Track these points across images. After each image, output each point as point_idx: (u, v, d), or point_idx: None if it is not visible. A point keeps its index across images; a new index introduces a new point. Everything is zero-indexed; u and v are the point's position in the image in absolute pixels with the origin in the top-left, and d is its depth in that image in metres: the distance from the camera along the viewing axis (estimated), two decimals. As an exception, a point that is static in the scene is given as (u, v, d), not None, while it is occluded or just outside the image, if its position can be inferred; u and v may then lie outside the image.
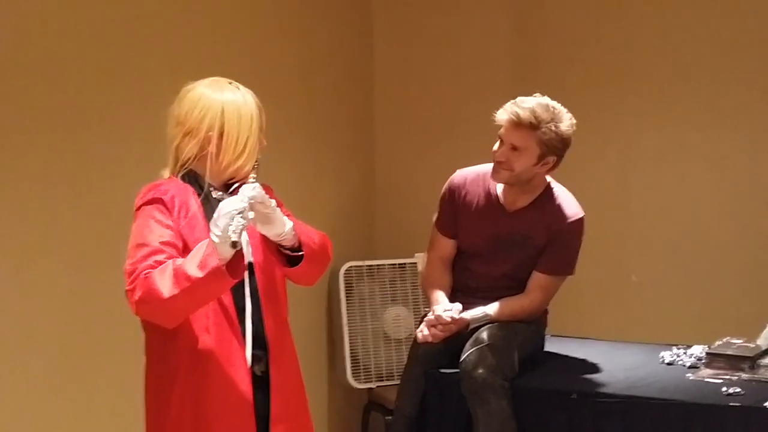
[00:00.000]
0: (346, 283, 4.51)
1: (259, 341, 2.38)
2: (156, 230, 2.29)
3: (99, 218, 3.29)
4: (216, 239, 2.19)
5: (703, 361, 3.36)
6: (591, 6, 4.51)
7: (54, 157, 3.17)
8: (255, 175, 2.33)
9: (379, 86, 4.90)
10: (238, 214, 2.20)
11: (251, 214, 2.24)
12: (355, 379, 4.50)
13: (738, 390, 3.04)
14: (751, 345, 3.34)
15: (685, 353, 3.47)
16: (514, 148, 3.29)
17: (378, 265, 4.60)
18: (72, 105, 3.22)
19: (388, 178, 4.92)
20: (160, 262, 2.23)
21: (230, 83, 2.42)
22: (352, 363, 4.49)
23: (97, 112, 3.31)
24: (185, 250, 2.28)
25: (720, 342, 3.42)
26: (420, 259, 4.42)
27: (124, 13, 3.41)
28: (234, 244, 2.18)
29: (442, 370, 3.36)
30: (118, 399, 3.30)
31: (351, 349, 4.49)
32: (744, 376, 3.19)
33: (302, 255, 2.41)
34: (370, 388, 4.58)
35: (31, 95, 3.09)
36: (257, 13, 4.12)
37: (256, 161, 2.38)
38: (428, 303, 3.49)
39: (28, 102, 3.08)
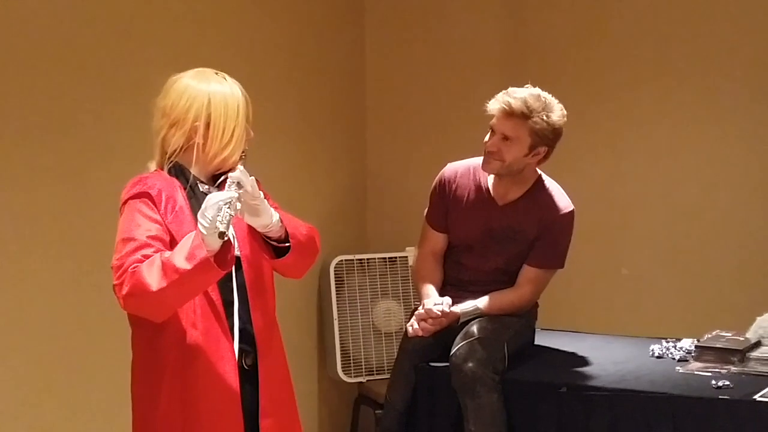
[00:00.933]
0: (336, 277, 4.50)
1: (247, 335, 2.37)
2: (143, 224, 2.28)
3: (87, 212, 3.28)
4: (204, 230, 2.18)
5: (693, 354, 3.36)
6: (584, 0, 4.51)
7: (43, 152, 3.16)
8: (242, 166, 2.31)
9: (370, 80, 4.90)
10: (225, 204, 2.19)
11: (239, 205, 2.24)
12: (346, 373, 4.49)
13: (727, 383, 3.04)
14: (741, 338, 3.34)
15: (674, 346, 3.47)
16: (506, 138, 3.29)
17: (368, 258, 4.59)
18: (63, 100, 3.21)
19: (379, 172, 4.91)
20: (148, 257, 2.22)
21: (216, 74, 2.41)
22: (342, 357, 4.48)
23: (87, 107, 3.30)
24: (173, 244, 2.27)
25: (709, 335, 3.42)
26: (411, 252, 4.42)
27: (116, 9, 3.40)
28: (221, 235, 2.17)
29: (433, 364, 3.35)
30: (107, 393, 3.29)
31: (341, 343, 4.49)
32: (733, 369, 3.19)
33: (289, 246, 2.40)
34: (361, 382, 4.58)
35: (23, 92, 3.08)
36: (249, 9, 4.10)
37: (243, 152, 2.37)
38: (419, 297, 3.48)
39: (20, 99, 3.07)
